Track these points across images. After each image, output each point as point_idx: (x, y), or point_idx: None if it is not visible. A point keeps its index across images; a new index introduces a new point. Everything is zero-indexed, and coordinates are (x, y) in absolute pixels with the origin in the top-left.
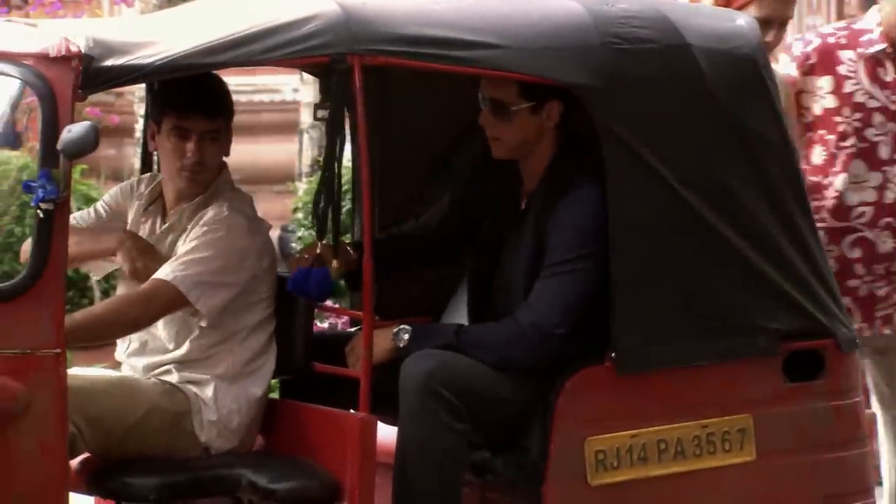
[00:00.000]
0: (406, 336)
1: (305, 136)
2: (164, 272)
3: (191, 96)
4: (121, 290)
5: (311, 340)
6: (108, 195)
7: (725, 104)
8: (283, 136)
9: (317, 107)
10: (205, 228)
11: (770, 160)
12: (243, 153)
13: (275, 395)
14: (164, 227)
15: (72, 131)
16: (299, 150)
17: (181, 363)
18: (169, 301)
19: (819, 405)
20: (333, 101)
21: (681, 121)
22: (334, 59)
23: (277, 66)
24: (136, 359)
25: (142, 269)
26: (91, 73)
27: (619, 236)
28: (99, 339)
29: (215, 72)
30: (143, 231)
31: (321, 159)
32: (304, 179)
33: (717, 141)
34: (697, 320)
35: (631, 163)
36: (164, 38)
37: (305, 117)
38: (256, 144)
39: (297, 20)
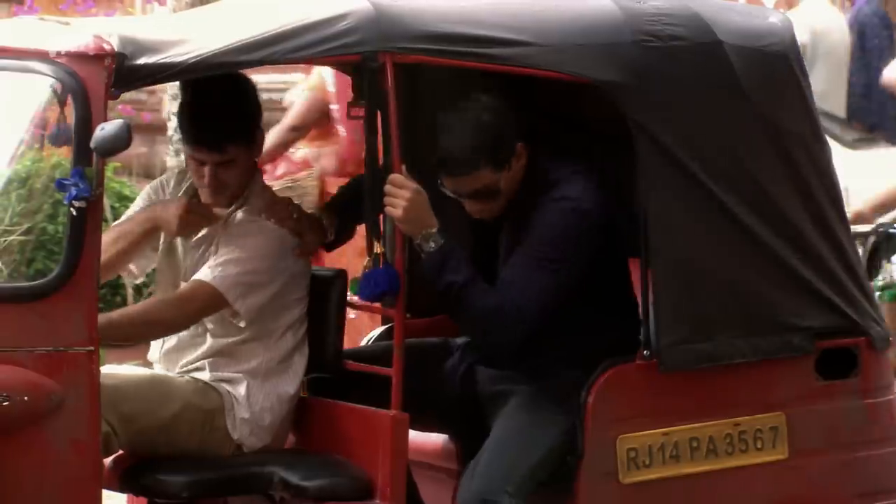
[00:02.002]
0: (432, 244)
1: None
2: (203, 273)
3: (198, 132)
4: (158, 294)
5: (343, 338)
6: (140, 199)
7: (758, 101)
8: None
9: (350, 105)
10: (239, 231)
11: (803, 158)
12: None
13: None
14: (195, 238)
15: (105, 129)
16: None
17: (214, 359)
18: (208, 302)
19: (852, 403)
20: (368, 100)
21: (713, 118)
22: (366, 56)
23: (309, 64)
24: (170, 357)
25: (192, 221)
26: (124, 72)
27: (654, 233)
28: (136, 339)
29: (239, 88)
30: None
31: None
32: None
33: (749, 138)
34: (733, 318)
35: (664, 160)
36: (196, 37)
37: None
38: None
39: (329, 18)
